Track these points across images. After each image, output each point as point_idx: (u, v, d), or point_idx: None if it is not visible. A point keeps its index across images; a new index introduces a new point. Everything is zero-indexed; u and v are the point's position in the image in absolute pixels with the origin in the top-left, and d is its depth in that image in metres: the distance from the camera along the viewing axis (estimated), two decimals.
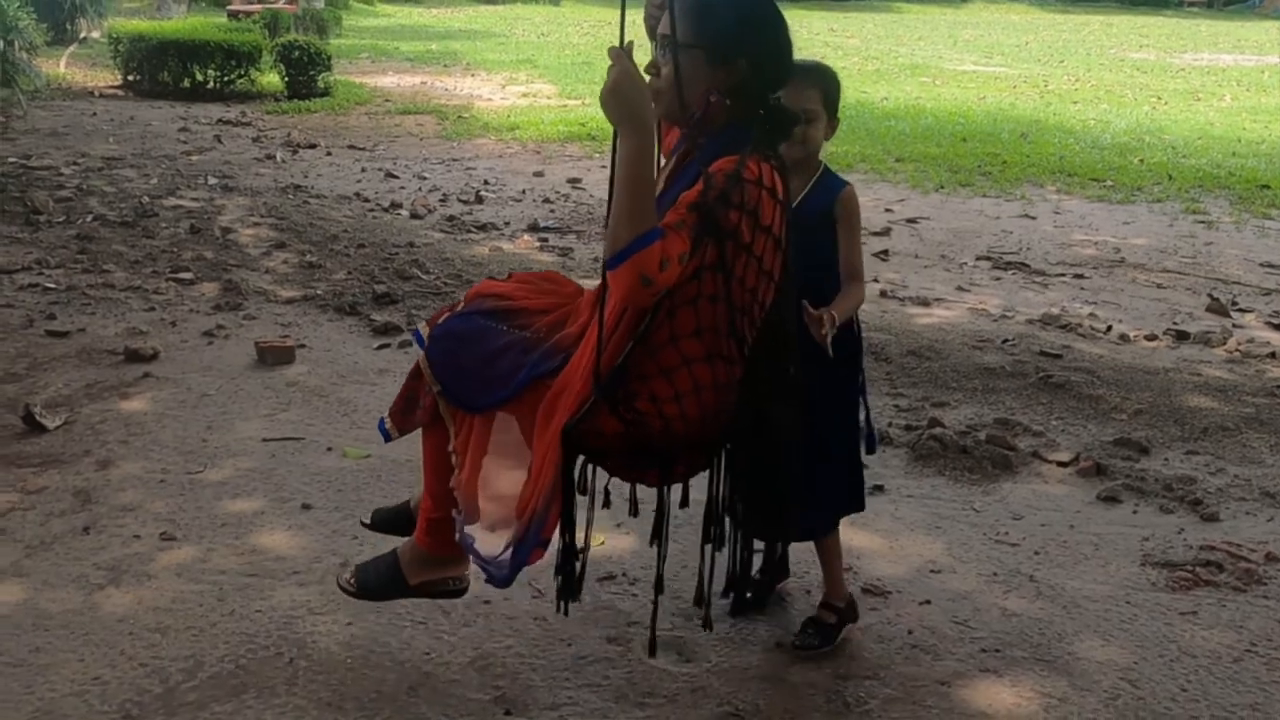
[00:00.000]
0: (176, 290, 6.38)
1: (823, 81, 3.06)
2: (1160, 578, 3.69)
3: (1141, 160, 11.86)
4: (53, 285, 6.31)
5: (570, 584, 2.70)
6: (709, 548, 2.75)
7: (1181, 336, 6.20)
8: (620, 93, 2.29)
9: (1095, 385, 5.33)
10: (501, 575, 2.63)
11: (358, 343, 5.69)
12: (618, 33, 2.34)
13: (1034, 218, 9.27)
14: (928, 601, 3.46)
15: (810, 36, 28.09)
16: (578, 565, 2.68)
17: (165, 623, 3.24)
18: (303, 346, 5.53)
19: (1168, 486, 4.31)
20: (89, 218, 7.90)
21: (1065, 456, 4.55)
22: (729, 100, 2.47)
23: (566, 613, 2.80)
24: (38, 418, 4.46)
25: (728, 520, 2.76)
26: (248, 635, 3.19)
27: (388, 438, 2.92)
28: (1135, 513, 4.15)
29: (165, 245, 7.29)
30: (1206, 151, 12.44)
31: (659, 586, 2.77)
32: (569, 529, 2.60)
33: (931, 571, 3.66)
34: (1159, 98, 17.70)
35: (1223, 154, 12.30)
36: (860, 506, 3.33)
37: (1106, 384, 5.35)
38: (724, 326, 2.47)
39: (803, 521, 3.08)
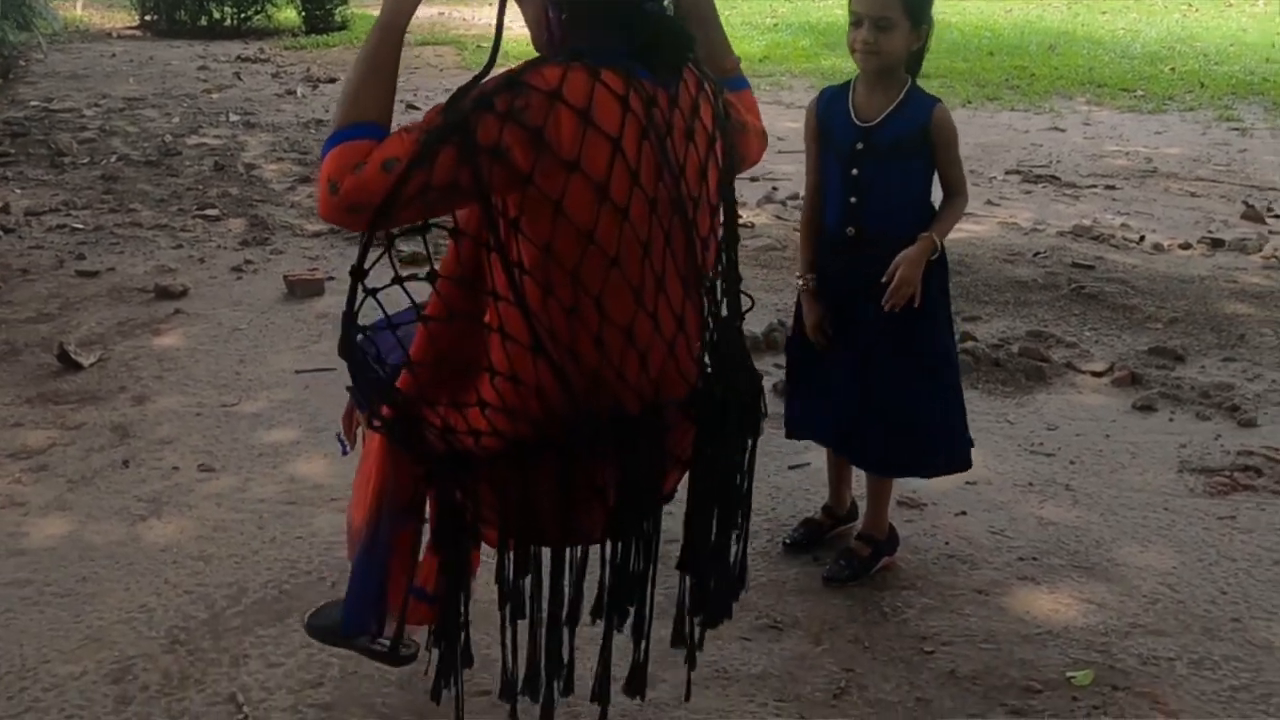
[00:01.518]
0: (203, 227, 6.38)
1: None
2: (1198, 483, 3.67)
3: (1173, 69, 11.66)
4: (80, 226, 6.33)
5: (450, 659, 2.13)
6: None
7: (1217, 244, 6.12)
8: None
9: (1129, 295, 5.27)
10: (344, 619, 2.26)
11: (386, 272, 5.65)
12: None
13: (1063, 130, 9.14)
14: (964, 513, 3.46)
15: None
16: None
17: (208, 551, 3.28)
18: (331, 279, 5.53)
19: (1204, 394, 4.28)
20: (113, 158, 7.90)
21: (1100, 367, 4.52)
22: (564, 15, 1.91)
23: (437, 700, 2.18)
24: (73, 355, 4.49)
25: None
26: (289, 561, 3.23)
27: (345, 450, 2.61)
28: (1171, 420, 4.12)
29: (190, 183, 7.29)
30: (1239, 58, 12.21)
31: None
32: (447, 576, 2.07)
33: (967, 483, 3.64)
34: (1190, 4, 17.35)
35: (1256, 60, 12.07)
36: (964, 462, 3.11)
37: (1140, 293, 5.30)
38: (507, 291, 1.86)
39: (894, 454, 3.04)
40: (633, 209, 1.83)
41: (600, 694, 2.15)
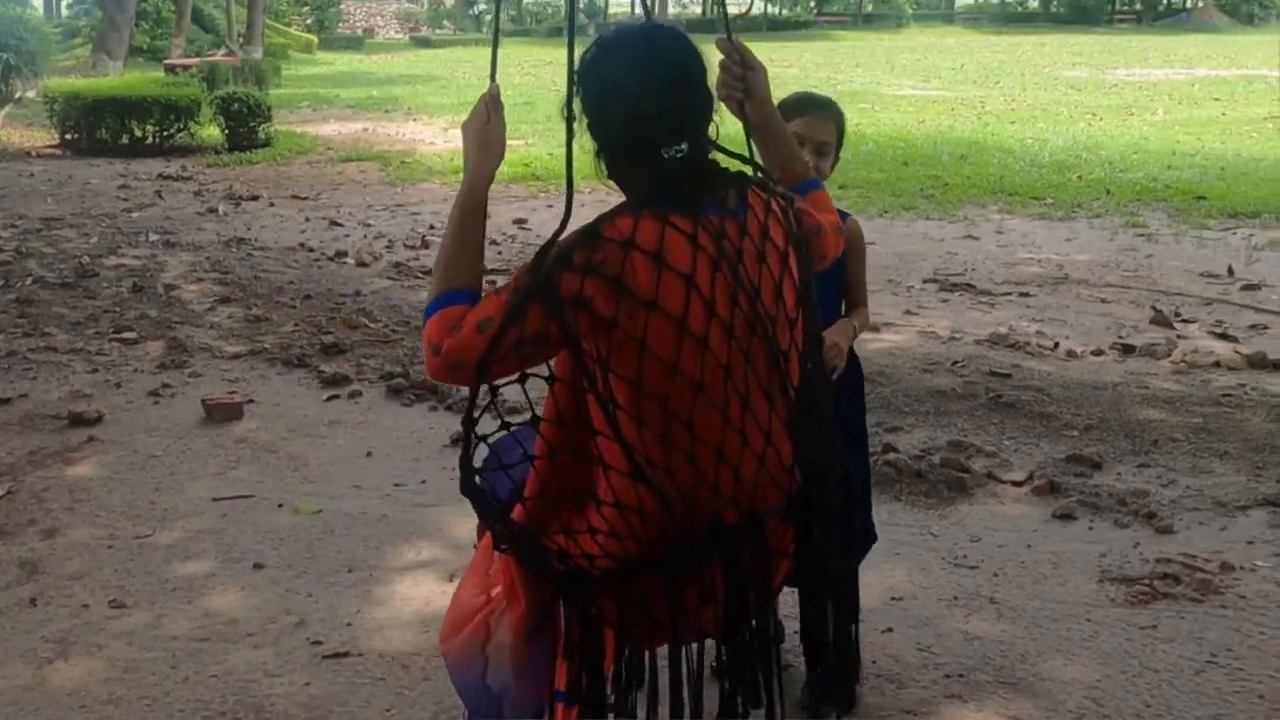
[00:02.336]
0: (120, 350, 6.29)
1: (837, 115, 2.98)
2: (1119, 593, 3.71)
3: (1080, 177, 12.05)
4: None
5: None
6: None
7: (1128, 350, 6.27)
8: (470, 130, 2.19)
9: (1046, 403, 5.37)
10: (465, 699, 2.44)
11: (307, 395, 5.63)
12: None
13: (977, 238, 9.38)
14: (890, 629, 3.45)
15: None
16: None
17: (117, 693, 3.16)
18: (251, 402, 5.46)
19: (1121, 501, 4.34)
20: (28, 280, 7.79)
21: (1019, 476, 4.58)
22: (603, 165, 2.12)
23: None
24: None
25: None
26: (203, 701, 3.12)
27: None
28: (1091, 529, 4.17)
29: (107, 305, 7.20)
30: (1143, 165, 12.66)
31: None
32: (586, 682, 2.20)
33: (893, 599, 3.65)
34: (1094, 114, 18.02)
35: (1159, 167, 12.52)
36: (873, 538, 3.17)
37: (1057, 401, 5.40)
38: (606, 427, 2.03)
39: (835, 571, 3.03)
40: (711, 337, 1.99)
41: None
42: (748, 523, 2.10)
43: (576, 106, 2.08)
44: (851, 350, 3.04)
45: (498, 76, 2.27)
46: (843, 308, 3.06)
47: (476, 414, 2.07)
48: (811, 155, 2.87)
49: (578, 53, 2.10)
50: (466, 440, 2.09)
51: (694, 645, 2.21)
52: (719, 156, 2.15)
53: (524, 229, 9.67)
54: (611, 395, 2.01)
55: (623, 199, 2.08)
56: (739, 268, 2.02)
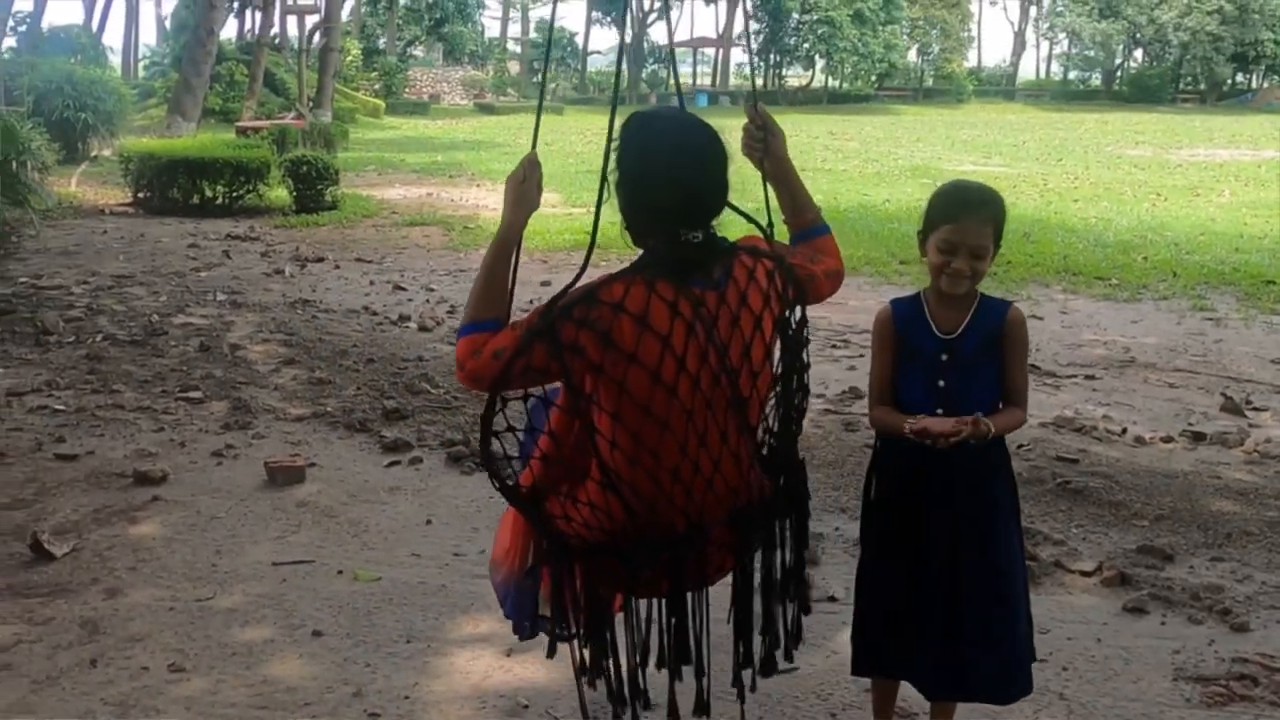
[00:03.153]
0: (186, 409, 6.36)
1: (996, 215, 2.86)
2: (1194, 693, 3.59)
3: (1145, 258, 11.92)
4: (62, 407, 6.30)
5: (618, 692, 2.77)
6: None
7: (1198, 437, 6.15)
8: (509, 186, 2.66)
9: (1114, 490, 5.27)
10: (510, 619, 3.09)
11: (368, 460, 5.65)
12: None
13: (1041, 318, 9.28)
14: None
15: (809, 140, 28.50)
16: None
17: None
18: (313, 465, 5.49)
19: (1195, 595, 4.23)
20: (99, 337, 7.92)
21: (1088, 566, 4.48)
22: (626, 230, 2.58)
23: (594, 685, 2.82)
24: (45, 545, 4.41)
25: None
26: None
27: None
28: (1163, 624, 4.06)
29: (174, 364, 7.30)
30: (1209, 248, 12.51)
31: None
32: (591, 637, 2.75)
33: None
34: (1159, 194, 17.87)
35: (1226, 250, 12.36)
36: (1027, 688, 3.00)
37: (1126, 489, 5.29)
38: (589, 446, 2.55)
39: (986, 675, 2.92)
40: (679, 387, 2.46)
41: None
42: (694, 530, 2.60)
43: (613, 175, 2.54)
44: (1006, 457, 2.95)
45: (539, 144, 2.83)
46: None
47: (496, 413, 2.52)
48: (966, 261, 2.80)
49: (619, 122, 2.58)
50: (484, 438, 2.53)
51: (648, 603, 2.76)
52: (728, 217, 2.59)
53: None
54: (593, 423, 2.51)
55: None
56: (713, 331, 2.47)
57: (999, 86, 61.98)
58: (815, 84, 55.51)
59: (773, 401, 2.70)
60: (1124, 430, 6.26)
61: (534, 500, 2.66)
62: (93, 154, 21.06)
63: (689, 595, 2.73)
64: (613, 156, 2.54)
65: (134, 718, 3.36)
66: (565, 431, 2.66)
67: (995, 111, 47.87)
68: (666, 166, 2.49)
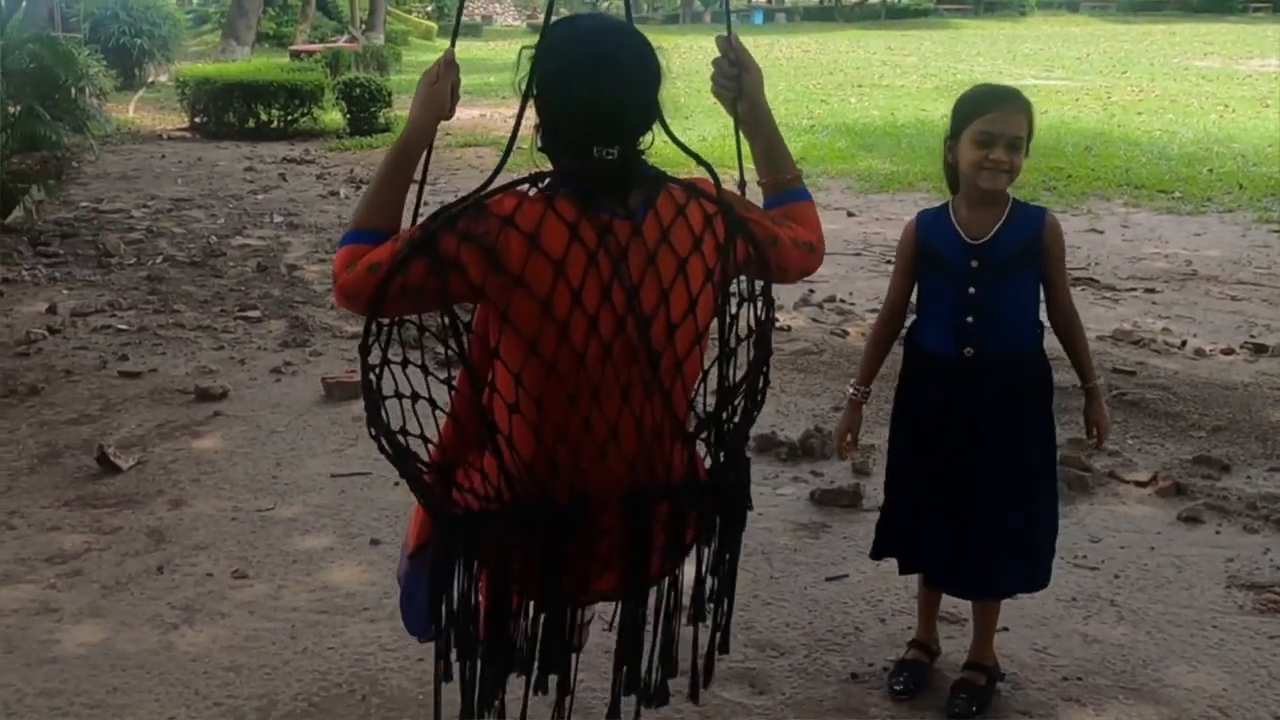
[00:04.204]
0: (245, 328, 6.46)
1: (1025, 105, 2.83)
2: (1247, 600, 3.58)
3: (1210, 170, 11.65)
4: (125, 326, 6.42)
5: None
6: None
7: (1259, 349, 6.05)
8: (420, 85, 2.28)
9: (1172, 402, 5.21)
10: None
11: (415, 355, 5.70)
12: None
13: (1101, 232, 9.13)
14: (1006, 629, 3.37)
15: (868, 55, 28.01)
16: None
17: (239, 661, 3.25)
18: None
19: (1251, 505, 4.19)
20: (159, 259, 8.04)
21: (1143, 476, 4.45)
22: (538, 138, 2.21)
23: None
24: (112, 458, 4.52)
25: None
26: (320, 673, 3.20)
27: None
28: (1218, 533, 4.04)
29: (233, 284, 7.40)
30: (1277, 159, 12.19)
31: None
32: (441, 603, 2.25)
33: (1010, 597, 3.57)
34: (1226, 105, 17.41)
35: None
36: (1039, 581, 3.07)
37: (1183, 400, 5.24)
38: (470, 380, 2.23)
39: (1011, 575, 2.99)
40: (572, 325, 2.08)
41: None
42: (578, 505, 2.19)
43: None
44: (1044, 359, 2.96)
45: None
46: (1041, 311, 2.95)
47: (372, 343, 2.15)
48: (1004, 151, 2.78)
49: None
50: (365, 374, 2.18)
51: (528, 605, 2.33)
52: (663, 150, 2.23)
53: None
54: (470, 357, 2.21)
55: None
56: (621, 266, 2.08)
57: None
58: None
59: (705, 370, 2.28)
60: (1183, 343, 6.18)
61: (442, 473, 2.29)
62: (149, 80, 21.20)
63: (565, 597, 2.29)
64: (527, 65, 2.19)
65: (199, 620, 3.47)
66: (464, 409, 2.29)
67: (1059, 24, 46.65)
68: (583, 69, 2.12)
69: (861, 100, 18.66)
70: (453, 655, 2.29)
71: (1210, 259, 8.22)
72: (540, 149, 2.20)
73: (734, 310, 2.26)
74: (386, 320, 2.16)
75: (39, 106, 9.28)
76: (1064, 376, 5.44)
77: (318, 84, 15.60)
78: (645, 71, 2.16)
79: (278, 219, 9.57)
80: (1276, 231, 9.07)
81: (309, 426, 5.04)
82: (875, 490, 4.29)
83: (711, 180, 2.21)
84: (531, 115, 2.18)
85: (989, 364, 2.86)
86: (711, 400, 2.32)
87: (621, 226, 2.10)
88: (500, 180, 2.13)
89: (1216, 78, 22.55)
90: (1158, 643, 3.34)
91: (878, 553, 3.17)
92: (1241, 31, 38.85)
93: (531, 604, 2.32)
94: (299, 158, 13.19)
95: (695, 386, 2.27)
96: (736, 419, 2.31)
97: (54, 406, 5.21)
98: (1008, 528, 2.90)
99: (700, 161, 2.27)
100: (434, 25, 39.85)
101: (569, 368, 2.10)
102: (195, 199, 10.52)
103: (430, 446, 2.33)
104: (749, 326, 2.27)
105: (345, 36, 25.89)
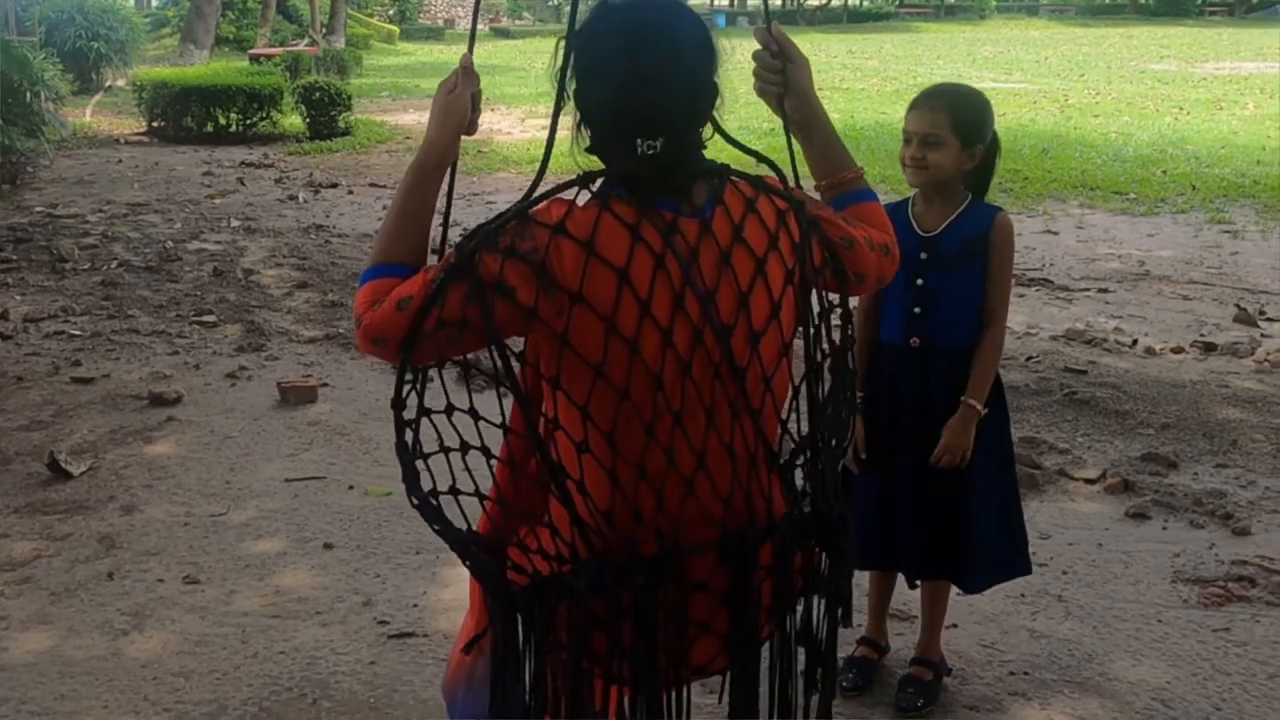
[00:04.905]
0: (200, 333, 6.42)
1: (947, 103, 2.85)
2: (1192, 594, 3.64)
3: (1164, 171, 11.80)
4: (78, 332, 6.37)
5: None
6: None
7: (1209, 348, 6.13)
8: (437, 96, 1.97)
9: (1121, 400, 5.28)
10: None
11: (380, 380, 5.70)
12: None
13: (1057, 233, 9.22)
14: (954, 625, 3.42)
15: (829, 58, 28.15)
16: None
17: (188, 666, 3.24)
18: (325, 385, 5.55)
19: (1198, 501, 4.26)
20: (114, 264, 7.98)
21: (1092, 473, 4.51)
22: (584, 136, 1.93)
23: None
24: (63, 465, 4.49)
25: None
26: (271, 677, 3.19)
27: None
28: (1165, 529, 4.10)
29: (189, 289, 7.35)
30: (1230, 161, 12.36)
31: None
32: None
33: (957, 595, 3.60)
34: (1181, 108, 17.62)
35: (1247, 163, 12.21)
36: (1025, 569, 3.11)
37: (1133, 398, 5.30)
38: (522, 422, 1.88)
39: (984, 566, 3.02)
40: (643, 341, 1.78)
41: None
42: (667, 557, 1.84)
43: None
44: (998, 383, 2.97)
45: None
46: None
47: (407, 395, 1.83)
48: (919, 148, 2.82)
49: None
50: (400, 434, 1.85)
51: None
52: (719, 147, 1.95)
53: None
54: (528, 393, 1.87)
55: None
56: (692, 269, 1.80)
57: (1022, 2, 60.90)
58: (834, 2, 54.68)
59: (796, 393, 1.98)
60: (1134, 341, 6.26)
61: (492, 552, 1.89)
62: (107, 84, 21.00)
63: (661, 676, 1.88)
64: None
65: (149, 626, 3.45)
66: (523, 455, 1.94)
67: (1018, 28, 47.09)
68: (618, 53, 1.84)
69: (822, 103, 18.73)
70: None
71: (1163, 259, 8.33)
72: (587, 150, 1.91)
73: (816, 320, 1.94)
74: (421, 366, 1.84)
75: None
76: (1016, 376, 5.54)
77: (277, 88, 15.49)
78: (694, 52, 1.87)
79: (235, 223, 9.51)
80: (1228, 232, 9.19)
81: (263, 431, 5.02)
82: None
83: (778, 177, 1.95)
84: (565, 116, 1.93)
85: (935, 355, 2.90)
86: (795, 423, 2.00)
87: (689, 225, 1.83)
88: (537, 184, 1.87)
89: (1172, 80, 22.83)
90: (1103, 637, 3.39)
91: None
92: (1198, 35, 39.35)
93: (618, 690, 1.92)
94: (258, 162, 13.11)
95: (786, 406, 1.96)
96: (833, 443, 1.99)
97: (4, 413, 5.16)
98: (984, 515, 2.95)
99: (760, 158, 1.98)
100: (395, 29, 39.70)
101: (644, 392, 1.79)
102: (152, 204, 10.43)
103: (480, 510, 1.98)
104: (829, 341, 1.96)
105: (305, 40, 25.75)
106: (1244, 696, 3.09)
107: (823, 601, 2.00)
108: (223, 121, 15.26)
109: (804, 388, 1.95)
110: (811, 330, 1.93)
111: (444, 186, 1.95)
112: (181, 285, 7.45)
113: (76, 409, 5.24)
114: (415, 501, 1.85)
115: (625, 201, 1.81)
